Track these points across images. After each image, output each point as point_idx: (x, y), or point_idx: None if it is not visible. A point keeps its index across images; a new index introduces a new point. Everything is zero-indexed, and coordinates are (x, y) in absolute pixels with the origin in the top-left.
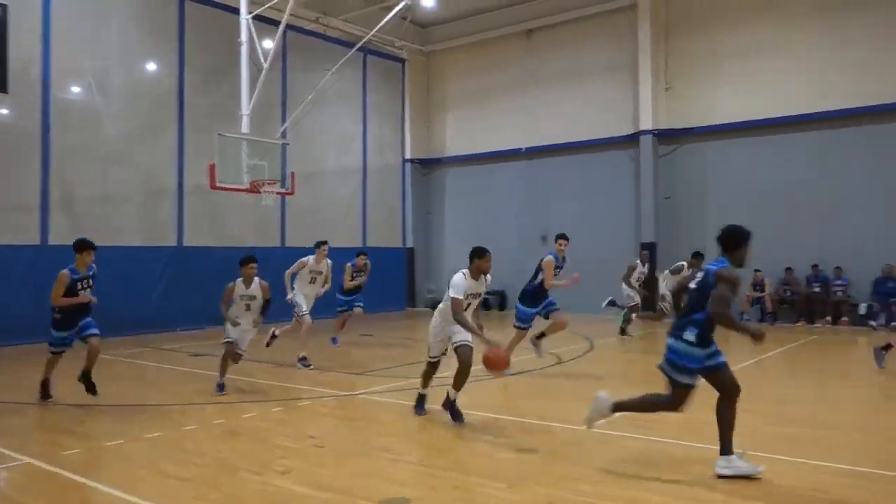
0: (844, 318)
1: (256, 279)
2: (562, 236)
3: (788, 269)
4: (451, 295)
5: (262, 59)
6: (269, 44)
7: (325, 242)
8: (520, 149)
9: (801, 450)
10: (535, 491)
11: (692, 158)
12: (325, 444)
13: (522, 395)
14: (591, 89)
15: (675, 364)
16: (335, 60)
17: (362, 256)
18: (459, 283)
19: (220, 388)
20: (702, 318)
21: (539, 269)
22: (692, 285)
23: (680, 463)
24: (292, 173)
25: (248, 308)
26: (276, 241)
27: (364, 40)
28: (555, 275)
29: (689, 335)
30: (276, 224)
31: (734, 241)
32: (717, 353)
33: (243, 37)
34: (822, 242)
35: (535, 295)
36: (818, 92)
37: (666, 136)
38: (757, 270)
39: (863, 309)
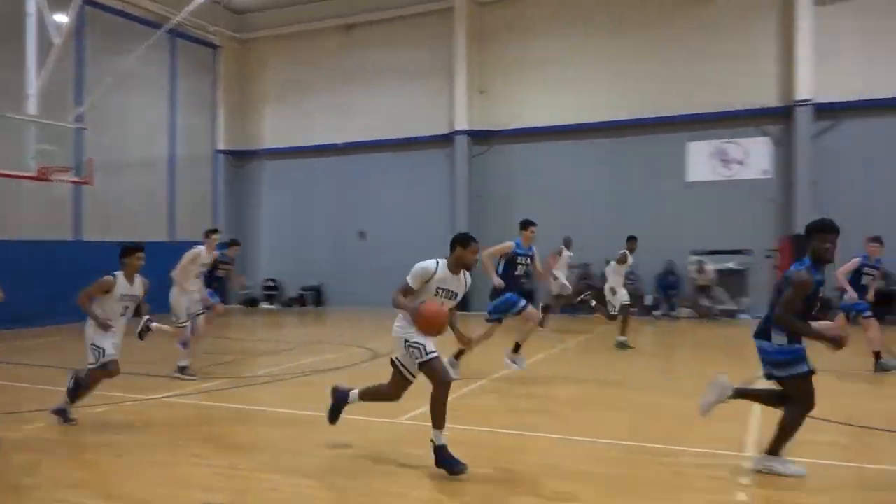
0: (634, 309)
1: (138, 276)
2: (531, 222)
3: (586, 264)
4: (407, 279)
5: (54, 35)
6: (63, 18)
7: (216, 231)
8: (337, 144)
9: (587, 429)
10: (348, 486)
11: (503, 159)
12: (124, 452)
13: None
14: (408, 88)
15: (778, 362)
16: (140, 42)
17: (235, 247)
18: (425, 271)
19: (65, 415)
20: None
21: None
22: (776, 286)
23: (499, 452)
24: (90, 160)
25: (125, 311)
26: (69, 234)
27: (173, 22)
28: (519, 265)
29: (780, 338)
30: (69, 215)
31: (806, 233)
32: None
33: (30, 8)
34: (616, 239)
35: (509, 284)
36: (613, 102)
37: (479, 137)
38: None
39: (648, 300)
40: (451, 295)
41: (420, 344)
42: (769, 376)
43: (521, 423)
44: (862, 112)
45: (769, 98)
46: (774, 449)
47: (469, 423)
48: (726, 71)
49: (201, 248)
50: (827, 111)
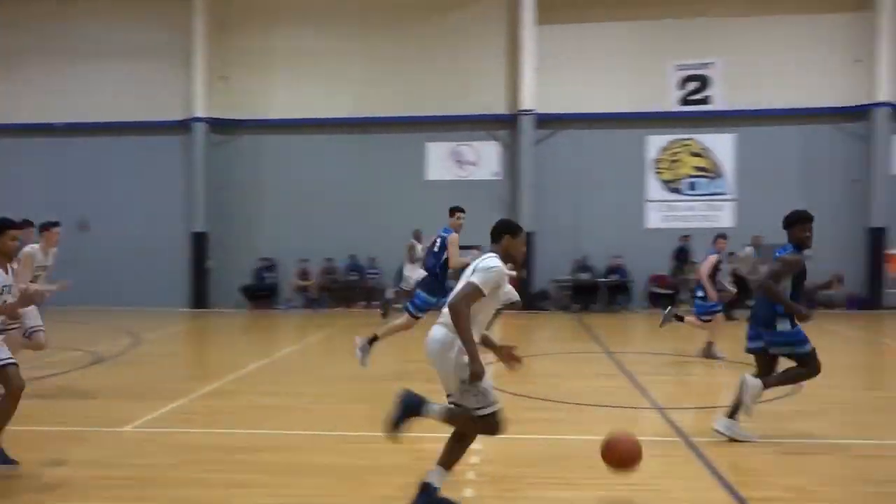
0: (377, 302)
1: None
2: (458, 209)
3: (329, 259)
4: (474, 280)
5: None
6: None
7: (56, 224)
8: (54, 124)
9: (330, 424)
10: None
11: (248, 150)
12: None
13: (50, 398)
14: (141, 68)
15: (791, 341)
16: None
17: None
18: (497, 268)
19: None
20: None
21: (443, 248)
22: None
23: (241, 452)
24: None
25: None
26: None
27: None
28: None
29: (784, 325)
30: None
31: (786, 222)
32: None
33: None
34: (357, 234)
35: (441, 281)
36: (360, 99)
37: (220, 126)
38: (303, 260)
39: (390, 294)
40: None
41: (483, 391)
42: (789, 355)
43: (263, 421)
44: (576, 124)
45: (498, 106)
46: (771, 383)
47: (210, 426)
48: (463, 78)
49: (34, 246)
50: (547, 121)
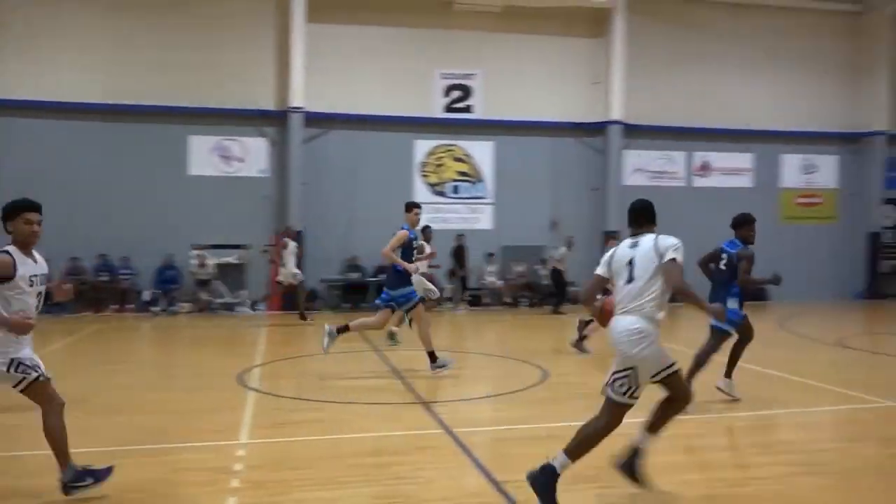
0: (131, 305)
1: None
2: (415, 204)
3: (75, 258)
4: (677, 258)
5: None
6: None
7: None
8: None
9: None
10: None
11: None
12: None
13: None
14: None
15: (730, 320)
16: None
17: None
18: (680, 243)
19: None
20: (738, 290)
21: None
22: (722, 266)
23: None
24: None
25: (39, 302)
26: None
27: None
28: (414, 251)
29: (733, 304)
30: None
31: (734, 223)
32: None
33: None
34: (109, 232)
35: (402, 275)
36: (111, 84)
37: None
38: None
39: (147, 296)
40: None
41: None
42: (719, 328)
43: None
44: (347, 124)
45: (267, 101)
46: (729, 372)
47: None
48: (230, 70)
49: None
50: (317, 120)
